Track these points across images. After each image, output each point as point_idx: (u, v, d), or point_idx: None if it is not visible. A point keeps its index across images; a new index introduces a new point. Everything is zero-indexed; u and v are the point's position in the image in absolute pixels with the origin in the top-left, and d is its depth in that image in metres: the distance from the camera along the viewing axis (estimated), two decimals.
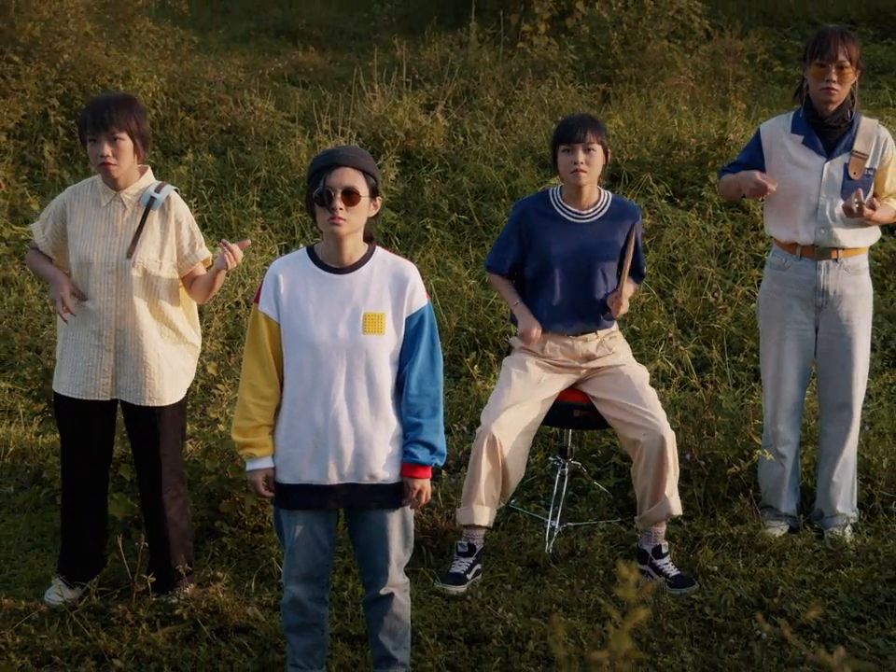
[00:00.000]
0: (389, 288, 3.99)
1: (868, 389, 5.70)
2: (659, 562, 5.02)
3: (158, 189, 4.67)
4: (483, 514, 4.96)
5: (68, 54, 9.69)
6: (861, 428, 5.52)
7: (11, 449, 5.79)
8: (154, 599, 4.72)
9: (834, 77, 5.14)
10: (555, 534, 5.24)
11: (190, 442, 5.34)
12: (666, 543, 5.07)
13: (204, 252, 4.73)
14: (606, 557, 5.11)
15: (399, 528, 4.08)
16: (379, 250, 4.08)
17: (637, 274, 5.30)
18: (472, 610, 4.71)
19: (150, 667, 4.37)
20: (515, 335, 5.31)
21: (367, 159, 4.06)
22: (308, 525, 4.05)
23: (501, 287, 5.35)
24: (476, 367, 6.48)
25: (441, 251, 7.77)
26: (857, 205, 4.97)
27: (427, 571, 5.00)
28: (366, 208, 3.98)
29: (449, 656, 4.43)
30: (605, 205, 5.16)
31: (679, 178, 8.38)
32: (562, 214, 5.13)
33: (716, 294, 7.14)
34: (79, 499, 4.84)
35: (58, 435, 5.79)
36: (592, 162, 5.03)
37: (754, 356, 6.58)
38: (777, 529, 5.36)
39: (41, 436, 5.96)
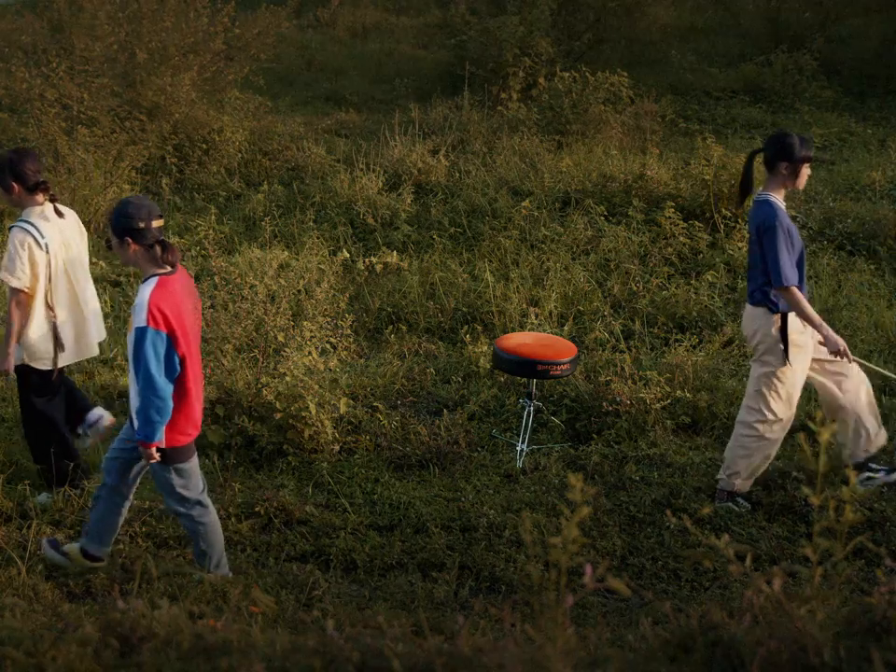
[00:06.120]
0: None
1: None
2: None
3: None
4: None
5: (179, 114, 9.61)
6: None
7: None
8: (240, 500, 4.69)
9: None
10: (524, 454, 5.20)
11: (265, 389, 5.27)
12: None
13: None
14: (559, 470, 5.06)
15: None
16: None
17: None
18: (465, 508, 4.67)
19: (237, 548, 4.35)
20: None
21: None
22: None
23: (801, 300, 4.46)
24: (468, 336, 6.43)
25: (443, 254, 7.69)
26: None
27: (436, 481, 4.96)
28: None
29: (449, 540, 4.41)
30: None
31: (612, 202, 8.29)
32: None
33: (638, 284, 7.06)
34: None
35: None
36: None
37: (665, 328, 6.51)
38: None
39: None
